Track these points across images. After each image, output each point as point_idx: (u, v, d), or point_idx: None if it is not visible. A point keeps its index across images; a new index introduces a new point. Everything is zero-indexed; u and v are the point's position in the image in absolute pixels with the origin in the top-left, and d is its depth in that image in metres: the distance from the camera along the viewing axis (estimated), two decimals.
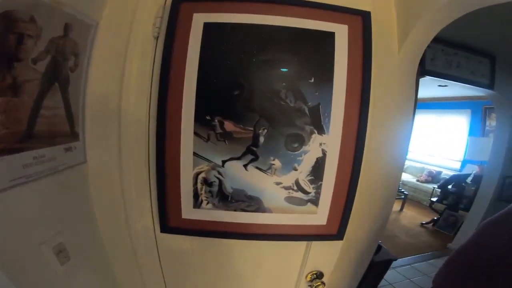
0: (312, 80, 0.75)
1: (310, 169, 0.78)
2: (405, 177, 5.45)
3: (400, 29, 0.80)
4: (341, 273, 1.00)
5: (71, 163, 0.73)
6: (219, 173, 0.78)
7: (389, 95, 0.83)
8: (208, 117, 0.74)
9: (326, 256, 0.93)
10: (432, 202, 4.27)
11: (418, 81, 1.02)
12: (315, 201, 0.81)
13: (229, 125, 0.75)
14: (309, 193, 0.80)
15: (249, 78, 0.74)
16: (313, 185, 0.79)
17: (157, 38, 0.75)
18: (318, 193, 0.80)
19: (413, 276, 2.64)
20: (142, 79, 0.76)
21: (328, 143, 0.77)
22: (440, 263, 0.95)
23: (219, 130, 0.75)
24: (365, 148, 0.78)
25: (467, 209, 3.44)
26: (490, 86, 2.57)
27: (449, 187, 4.07)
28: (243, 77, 0.74)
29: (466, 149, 4.71)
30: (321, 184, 0.79)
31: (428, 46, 0.85)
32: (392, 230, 3.72)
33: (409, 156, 5.40)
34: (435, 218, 3.99)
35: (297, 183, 0.79)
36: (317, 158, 0.78)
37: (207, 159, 0.77)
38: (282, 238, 0.85)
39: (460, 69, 2.36)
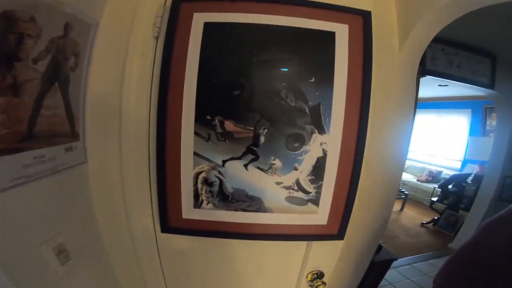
0: (313, 80, 0.75)
1: (311, 168, 0.78)
2: (406, 176, 5.45)
3: (400, 29, 0.80)
4: (341, 273, 1.00)
5: (71, 163, 0.73)
6: (220, 173, 0.78)
7: (390, 94, 0.83)
8: (208, 117, 0.74)
9: (327, 256, 0.93)
10: (433, 202, 4.27)
11: (419, 80, 1.02)
12: (315, 201, 0.81)
13: (229, 125, 0.75)
14: (309, 193, 0.80)
15: (250, 78, 0.74)
16: (313, 185, 0.79)
17: (157, 37, 0.75)
18: (318, 193, 0.80)
19: (414, 276, 2.64)
20: (142, 79, 0.76)
21: (328, 143, 0.77)
22: (441, 263, 0.95)
23: (219, 130, 0.75)
24: (365, 148, 0.78)
25: (467, 209, 3.44)
26: (490, 85, 2.56)
27: (450, 187, 4.06)
28: (244, 76, 0.74)
29: (466, 149, 4.70)
30: (321, 184, 0.79)
31: (429, 46, 0.84)
32: (392, 230, 3.72)
33: (409, 155, 5.39)
34: (436, 218, 3.98)
35: (297, 183, 0.79)
36: (317, 158, 0.78)
37: (208, 159, 0.77)
38: (282, 238, 0.85)
39: (460, 68, 2.36)
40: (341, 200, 0.81)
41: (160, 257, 0.89)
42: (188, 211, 0.80)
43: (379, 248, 1.49)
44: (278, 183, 0.79)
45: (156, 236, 0.86)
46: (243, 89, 0.74)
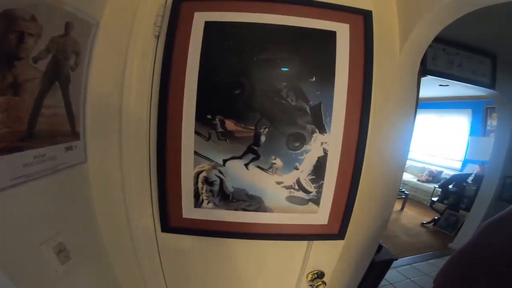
0: (314, 79, 0.75)
1: (312, 168, 0.78)
2: (406, 176, 5.45)
3: (401, 29, 0.80)
4: (341, 272, 1.00)
5: (71, 162, 0.73)
6: (220, 172, 0.78)
7: (391, 94, 0.83)
8: (209, 116, 0.74)
9: (327, 255, 0.93)
10: (433, 202, 4.27)
11: (420, 80, 1.02)
12: (316, 201, 0.80)
13: (230, 124, 0.75)
14: (310, 192, 0.80)
15: (250, 77, 0.74)
16: (314, 185, 0.79)
17: (158, 37, 0.75)
18: (319, 193, 0.80)
19: (414, 276, 2.64)
20: (143, 78, 0.76)
21: (329, 142, 0.77)
22: (441, 263, 0.95)
23: (220, 129, 0.75)
24: (366, 148, 0.78)
25: (468, 209, 3.44)
26: (491, 85, 2.56)
27: (450, 187, 4.06)
28: (244, 76, 0.74)
29: (467, 148, 4.70)
30: (322, 184, 0.79)
31: (430, 46, 0.84)
32: (392, 230, 3.71)
33: (410, 155, 5.38)
34: (436, 218, 3.98)
35: (298, 182, 0.79)
36: (318, 157, 0.78)
37: (208, 158, 0.77)
38: (283, 238, 0.85)
39: (461, 68, 2.36)
40: (341, 199, 0.81)
41: (160, 256, 0.89)
42: (189, 211, 0.80)
43: (379, 248, 1.49)
44: (278, 183, 0.79)
45: (156, 235, 0.86)
46: (244, 88, 0.74)
